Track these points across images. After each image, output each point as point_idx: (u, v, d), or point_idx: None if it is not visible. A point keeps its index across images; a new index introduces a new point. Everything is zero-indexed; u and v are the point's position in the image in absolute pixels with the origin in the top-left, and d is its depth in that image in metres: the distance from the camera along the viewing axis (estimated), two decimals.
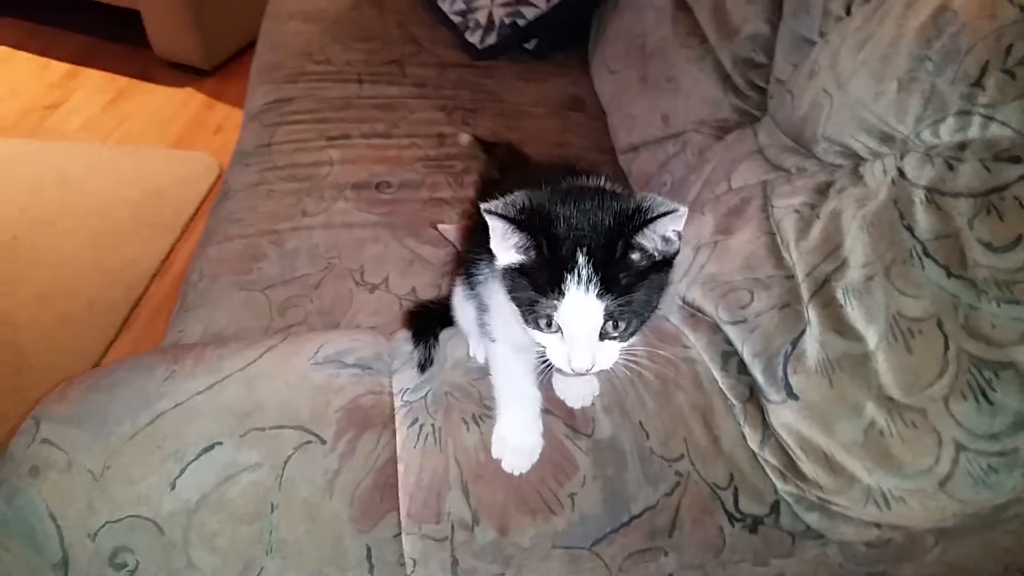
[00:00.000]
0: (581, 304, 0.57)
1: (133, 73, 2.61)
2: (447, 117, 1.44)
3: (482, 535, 0.65)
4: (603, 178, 0.66)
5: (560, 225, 0.58)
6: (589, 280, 0.57)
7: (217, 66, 2.63)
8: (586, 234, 0.57)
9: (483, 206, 0.57)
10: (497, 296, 0.65)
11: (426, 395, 0.70)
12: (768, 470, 0.69)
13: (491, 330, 0.67)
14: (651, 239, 0.58)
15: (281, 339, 0.75)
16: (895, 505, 0.65)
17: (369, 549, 0.64)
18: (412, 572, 0.65)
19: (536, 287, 0.58)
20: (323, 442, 0.65)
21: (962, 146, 0.66)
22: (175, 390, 0.67)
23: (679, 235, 0.60)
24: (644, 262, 0.59)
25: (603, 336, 0.59)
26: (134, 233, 2.01)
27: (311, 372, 0.70)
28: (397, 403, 0.69)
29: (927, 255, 0.63)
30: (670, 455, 0.68)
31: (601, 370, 0.61)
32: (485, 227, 0.60)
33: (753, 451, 0.70)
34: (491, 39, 1.63)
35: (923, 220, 0.65)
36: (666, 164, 1.24)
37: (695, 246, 0.84)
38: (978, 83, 0.66)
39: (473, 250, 0.69)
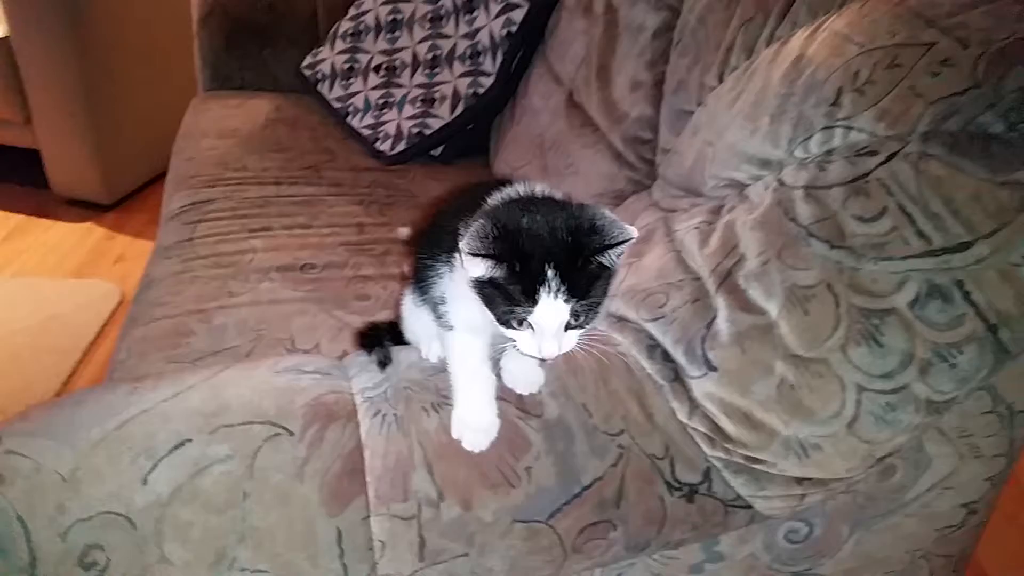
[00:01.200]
0: (551, 308, 0.67)
1: (29, 211, 2.60)
2: (365, 210, 1.53)
3: (447, 511, 0.68)
4: (538, 187, 0.76)
5: (528, 244, 0.67)
6: (558, 289, 0.67)
7: (118, 201, 2.66)
8: (552, 250, 0.67)
9: (467, 249, 0.65)
10: (456, 289, 0.72)
11: (385, 391, 0.74)
12: (697, 438, 0.77)
13: (449, 319, 0.74)
14: (609, 258, 0.69)
15: (236, 363, 0.79)
16: (812, 453, 0.73)
17: (340, 532, 0.66)
18: (381, 556, 0.68)
19: (509, 298, 0.67)
20: (291, 433, 0.68)
21: (829, 152, 0.80)
22: (140, 400, 0.69)
23: None
24: (601, 270, 0.69)
25: (567, 327, 0.69)
26: (32, 359, 1.96)
27: (273, 378, 0.74)
28: (358, 400, 0.73)
29: (811, 235, 0.75)
30: (611, 430, 0.75)
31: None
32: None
33: (683, 423, 0.77)
34: (400, 146, 1.76)
35: (803, 210, 0.77)
36: None
37: None
38: (836, 103, 0.80)
39: (425, 255, 0.77)
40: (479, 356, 0.74)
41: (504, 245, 0.66)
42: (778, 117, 0.87)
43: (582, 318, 0.69)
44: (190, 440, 0.66)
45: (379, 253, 1.39)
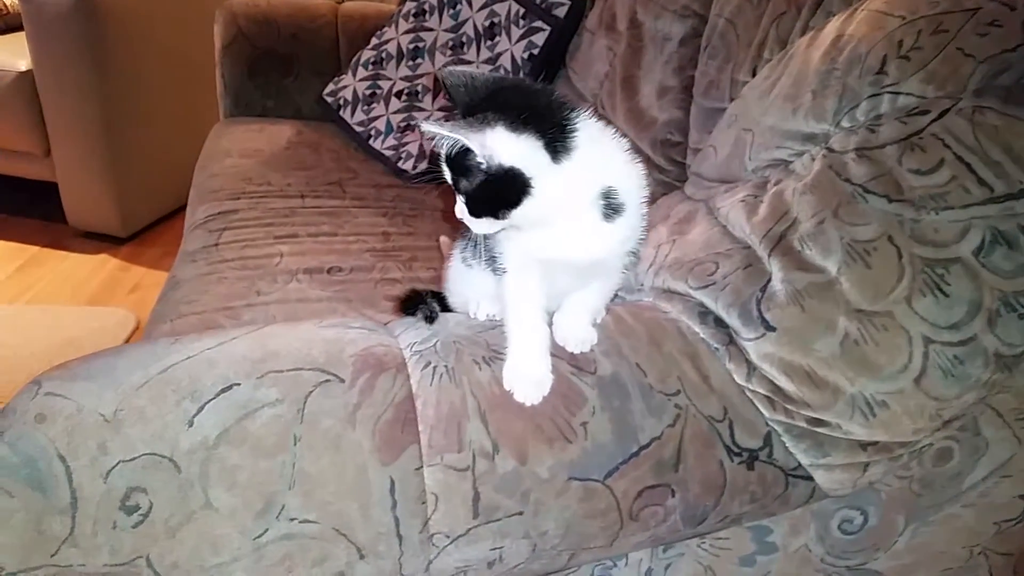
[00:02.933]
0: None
1: (44, 243, 2.60)
2: (390, 220, 1.53)
3: (502, 464, 0.66)
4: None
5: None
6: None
7: (133, 234, 2.66)
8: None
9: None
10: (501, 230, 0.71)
11: (435, 344, 0.72)
12: (757, 401, 0.74)
13: (503, 259, 0.72)
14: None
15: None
16: (879, 411, 0.70)
17: (392, 482, 0.63)
18: (434, 511, 0.65)
19: None
20: (341, 380, 0.66)
21: (877, 118, 0.79)
22: (184, 348, 0.67)
23: None
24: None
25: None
26: None
27: (320, 331, 0.72)
28: (407, 353, 0.71)
29: (868, 192, 0.74)
30: (668, 390, 0.72)
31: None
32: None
33: (741, 385, 0.74)
34: (423, 165, 1.77)
35: (857, 170, 0.76)
36: None
37: (655, 245, 0.93)
38: (881, 71, 0.80)
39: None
40: (534, 305, 0.72)
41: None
42: (821, 92, 0.87)
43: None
44: (238, 384, 0.63)
45: (406, 259, 1.38)
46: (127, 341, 2.09)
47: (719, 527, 0.79)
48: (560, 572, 0.83)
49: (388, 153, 1.83)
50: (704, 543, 0.87)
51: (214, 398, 0.62)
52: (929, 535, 0.91)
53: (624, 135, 1.39)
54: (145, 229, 2.71)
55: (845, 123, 0.83)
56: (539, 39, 1.78)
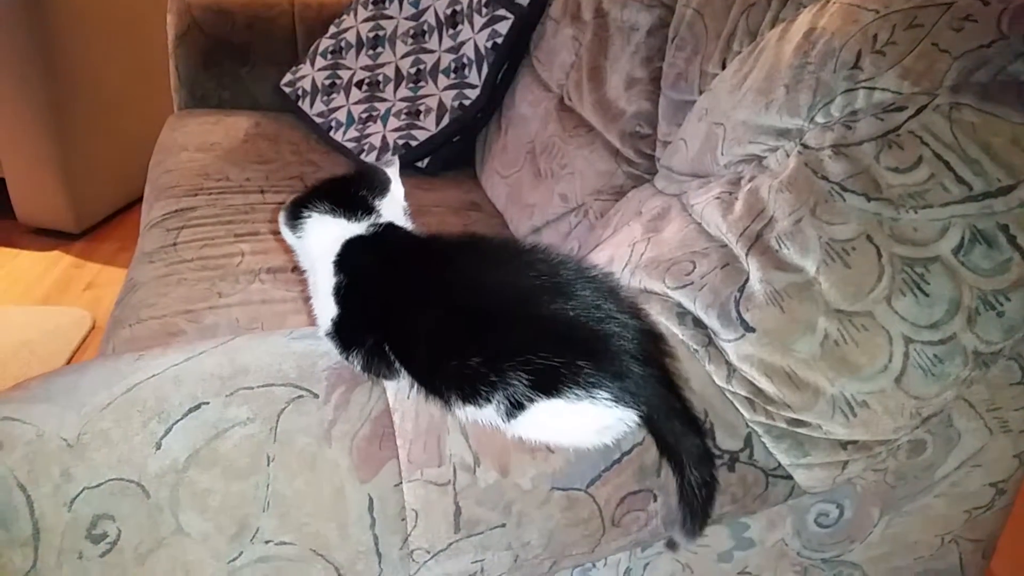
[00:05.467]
0: None
1: None
2: None
3: (484, 476, 0.64)
4: None
5: None
6: None
7: (86, 229, 2.58)
8: None
9: None
10: None
11: None
12: (737, 403, 0.73)
13: None
14: None
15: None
16: (860, 411, 0.70)
17: (371, 500, 0.61)
18: (414, 527, 0.63)
19: None
20: (315, 396, 0.63)
21: (853, 113, 0.78)
22: (149, 365, 0.64)
23: None
24: None
25: None
26: (2, 387, 1.86)
27: (290, 343, 0.69)
28: None
29: (845, 190, 0.73)
30: None
31: None
32: None
33: (721, 387, 0.74)
34: (386, 157, 1.73)
35: (834, 168, 0.75)
36: (570, 233, 1.34)
37: (630, 244, 0.91)
38: (856, 66, 0.79)
39: None
40: None
41: None
42: (794, 87, 0.86)
43: None
44: (207, 403, 0.61)
45: None
46: (83, 341, 2.03)
47: None
48: None
49: (350, 145, 1.80)
50: None
51: (182, 418, 0.60)
52: (903, 525, 0.92)
53: (591, 128, 1.39)
54: (99, 224, 2.63)
55: (820, 118, 0.82)
56: (502, 28, 1.75)
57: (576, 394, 0.60)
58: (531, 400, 0.59)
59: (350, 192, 0.75)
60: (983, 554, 1.01)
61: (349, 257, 0.69)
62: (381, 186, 0.77)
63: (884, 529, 0.92)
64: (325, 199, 0.74)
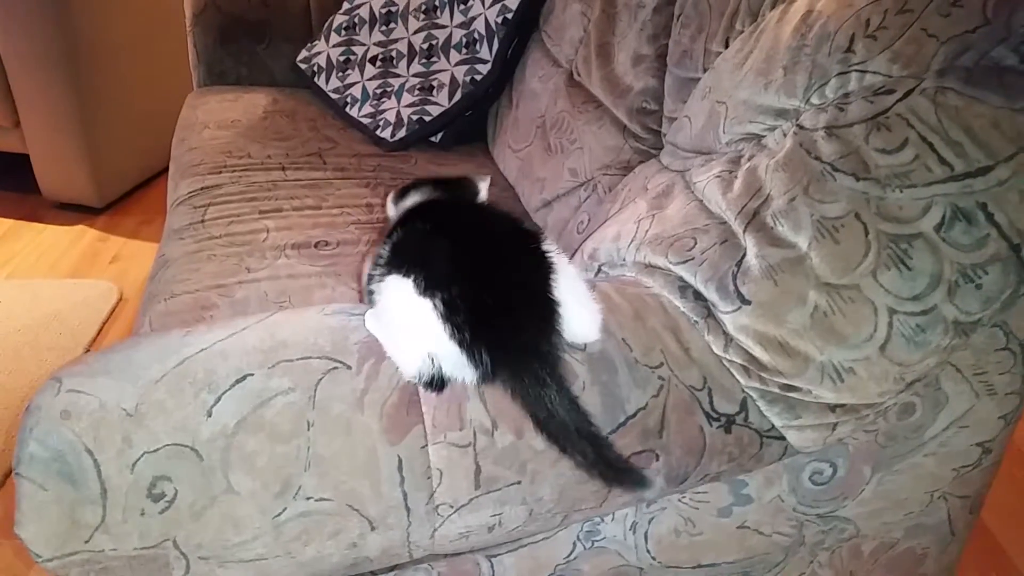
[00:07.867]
0: None
1: (19, 216, 2.58)
2: (372, 191, 1.55)
3: (501, 439, 0.70)
4: None
5: None
6: None
7: (109, 204, 2.65)
8: None
9: None
10: None
11: None
12: (733, 370, 0.79)
13: None
14: None
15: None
16: (847, 377, 0.76)
17: (400, 460, 0.68)
18: (439, 484, 0.70)
19: None
20: (348, 367, 0.70)
21: (846, 96, 0.83)
22: (196, 341, 0.70)
23: None
24: None
25: None
26: (33, 358, 1.94)
27: (325, 319, 0.75)
28: None
29: (836, 170, 0.78)
30: (651, 363, 0.77)
31: None
32: None
33: (719, 356, 0.80)
34: (401, 133, 1.78)
35: (826, 148, 0.80)
36: (580, 207, 1.39)
37: (636, 220, 0.97)
38: (849, 50, 0.83)
39: None
40: None
41: None
42: (792, 68, 0.91)
43: None
44: (251, 374, 0.67)
45: None
46: (111, 313, 2.11)
47: (699, 484, 0.85)
48: (553, 530, 0.89)
49: (366, 121, 1.85)
50: (685, 497, 0.93)
51: (230, 389, 0.66)
52: (893, 483, 0.98)
53: (599, 104, 1.43)
54: (121, 198, 2.69)
55: (815, 100, 0.87)
56: (512, 3, 1.78)
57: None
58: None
59: (448, 187, 0.96)
60: (970, 509, 1.07)
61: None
62: (471, 195, 0.97)
63: (876, 486, 0.98)
64: (427, 187, 0.94)
